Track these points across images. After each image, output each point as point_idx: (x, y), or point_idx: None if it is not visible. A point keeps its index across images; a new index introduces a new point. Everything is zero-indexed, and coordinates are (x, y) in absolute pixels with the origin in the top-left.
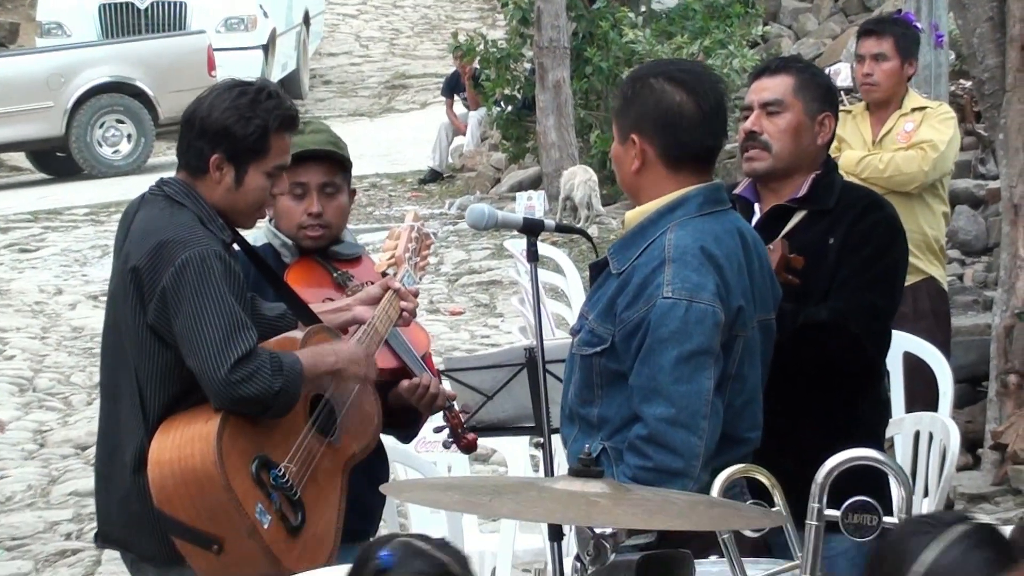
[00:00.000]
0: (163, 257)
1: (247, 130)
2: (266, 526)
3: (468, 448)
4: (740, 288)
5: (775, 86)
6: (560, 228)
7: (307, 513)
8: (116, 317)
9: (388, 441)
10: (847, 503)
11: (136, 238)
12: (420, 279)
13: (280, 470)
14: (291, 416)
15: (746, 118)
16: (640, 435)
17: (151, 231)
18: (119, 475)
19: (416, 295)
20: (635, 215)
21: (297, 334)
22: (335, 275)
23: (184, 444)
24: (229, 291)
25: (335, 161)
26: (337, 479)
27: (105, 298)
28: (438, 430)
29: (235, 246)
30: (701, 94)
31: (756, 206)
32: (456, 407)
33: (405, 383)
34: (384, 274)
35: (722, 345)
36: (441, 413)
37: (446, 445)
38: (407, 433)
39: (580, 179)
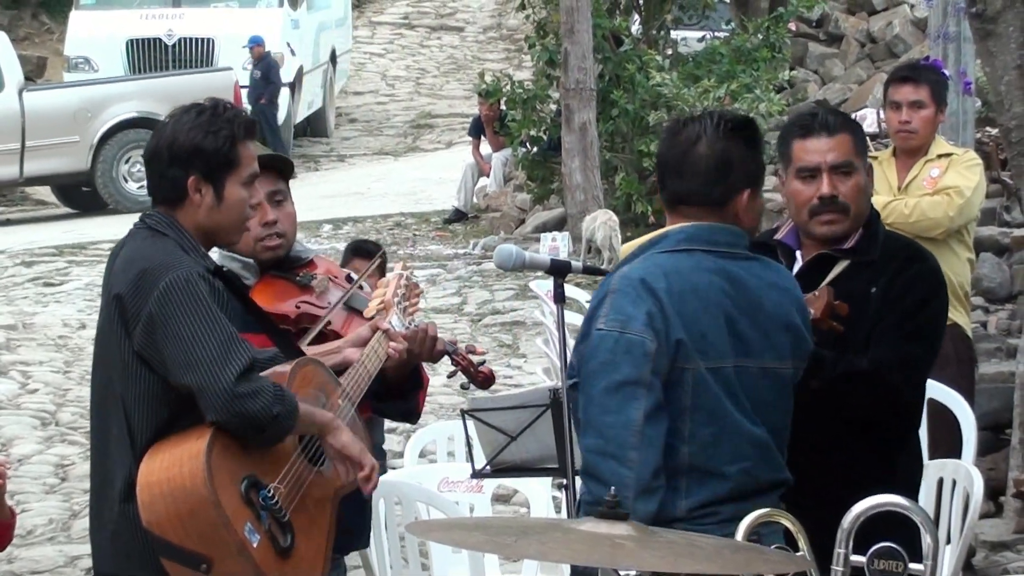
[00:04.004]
0: (146, 282)
1: (218, 143)
2: (255, 545)
3: (487, 382)
4: (693, 323)
5: (840, 147)
6: (587, 270)
7: (296, 537)
8: (101, 350)
9: (411, 480)
10: (873, 549)
11: (119, 269)
12: (410, 324)
13: (269, 491)
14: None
15: (809, 177)
16: (581, 468)
17: (133, 260)
18: (108, 508)
19: (407, 339)
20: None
21: (284, 367)
22: (297, 279)
23: (172, 464)
24: (218, 308)
25: (276, 170)
26: (327, 508)
27: None
28: (452, 375)
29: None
30: (674, 140)
31: (798, 253)
32: (461, 348)
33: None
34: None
35: (669, 378)
36: (448, 359)
37: (464, 387)
38: (407, 407)
39: (601, 220)
